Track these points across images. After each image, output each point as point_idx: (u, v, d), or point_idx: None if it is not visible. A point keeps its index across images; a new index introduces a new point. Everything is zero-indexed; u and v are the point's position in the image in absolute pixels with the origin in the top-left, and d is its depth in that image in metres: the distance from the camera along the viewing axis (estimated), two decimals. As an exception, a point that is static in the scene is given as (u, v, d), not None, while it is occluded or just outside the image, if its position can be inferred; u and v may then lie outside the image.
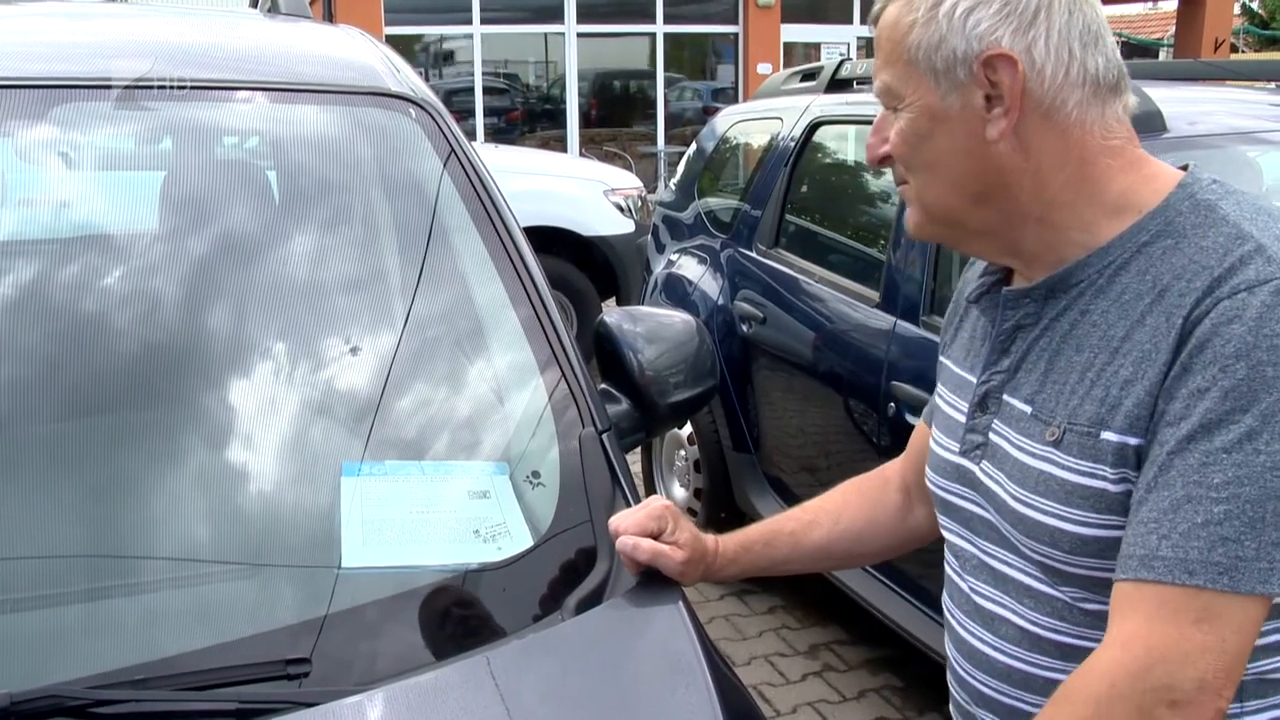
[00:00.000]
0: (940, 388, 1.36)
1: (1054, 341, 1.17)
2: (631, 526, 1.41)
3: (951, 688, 1.36)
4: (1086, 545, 1.12)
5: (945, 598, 1.35)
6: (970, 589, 1.28)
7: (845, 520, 1.53)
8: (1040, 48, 1.11)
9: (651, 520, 1.41)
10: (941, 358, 1.37)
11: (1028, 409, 1.17)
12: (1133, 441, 1.08)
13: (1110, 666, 1.05)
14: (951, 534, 1.32)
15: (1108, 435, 1.09)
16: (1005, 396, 1.21)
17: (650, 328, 1.87)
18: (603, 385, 1.82)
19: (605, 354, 1.86)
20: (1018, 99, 1.11)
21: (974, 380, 1.26)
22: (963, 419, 1.27)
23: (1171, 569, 1.03)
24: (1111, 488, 1.10)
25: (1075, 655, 1.15)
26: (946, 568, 1.34)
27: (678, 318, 1.95)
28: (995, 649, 1.25)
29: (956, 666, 1.33)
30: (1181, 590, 1.03)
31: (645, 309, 1.99)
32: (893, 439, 3.23)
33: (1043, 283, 1.18)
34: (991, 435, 1.22)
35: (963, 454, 1.26)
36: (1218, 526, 1.02)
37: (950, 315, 1.39)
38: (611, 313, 1.91)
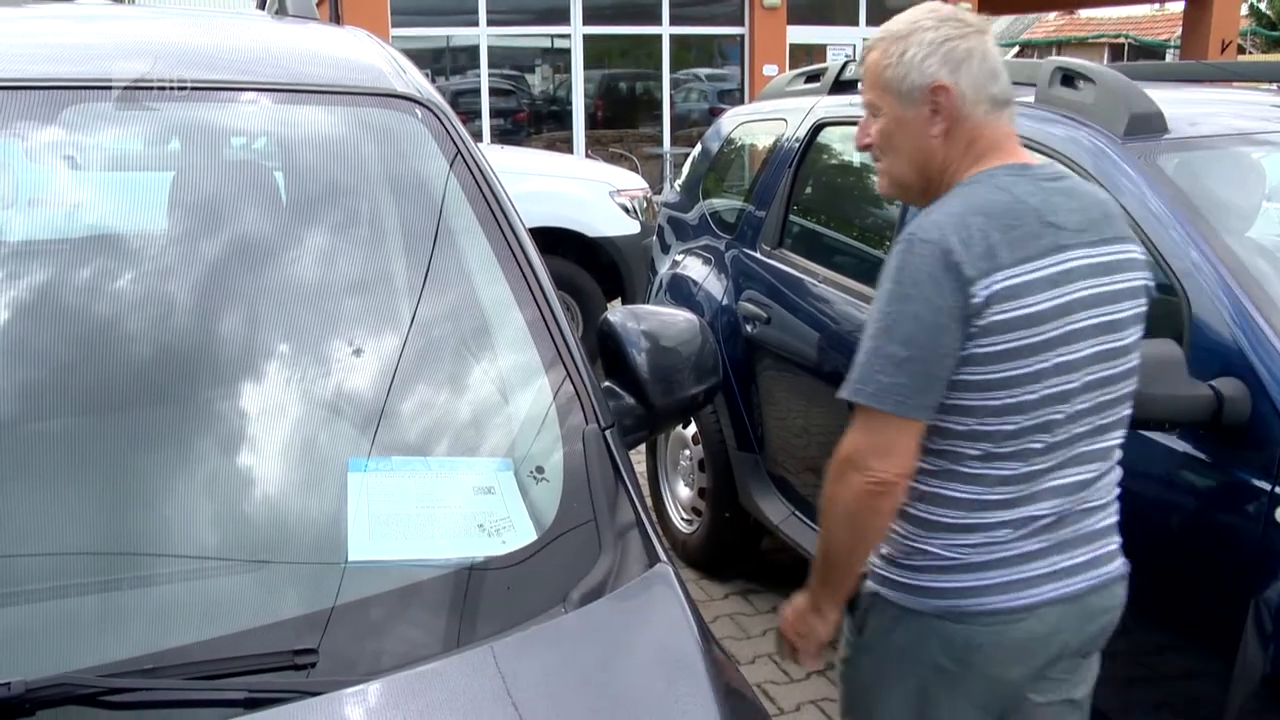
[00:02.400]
0: None
1: None
2: None
3: None
4: None
5: None
6: None
7: None
8: (964, 81, 1.79)
9: None
10: None
11: None
12: None
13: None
14: None
15: None
16: None
17: (654, 326, 1.89)
18: (606, 383, 1.84)
19: (609, 352, 1.87)
20: (950, 111, 1.80)
21: None
22: None
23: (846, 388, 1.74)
24: None
25: None
26: None
27: (681, 316, 1.97)
28: None
29: None
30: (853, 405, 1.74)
31: (649, 308, 2.01)
32: (896, 438, 3.24)
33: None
34: None
35: None
36: (857, 361, 1.74)
37: None
38: (615, 311, 1.92)
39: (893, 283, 1.70)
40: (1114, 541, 1.91)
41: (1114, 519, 1.91)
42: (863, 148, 1.90)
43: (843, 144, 4.18)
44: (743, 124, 4.75)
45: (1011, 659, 1.82)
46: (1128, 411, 1.88)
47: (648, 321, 1.90)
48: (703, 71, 16.45)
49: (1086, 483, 1.83)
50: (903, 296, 1.69)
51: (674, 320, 1.94)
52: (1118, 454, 1.89)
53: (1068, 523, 1.82)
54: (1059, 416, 1.75)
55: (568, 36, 15.37)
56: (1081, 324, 1.74)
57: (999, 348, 1.69)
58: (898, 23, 1.85)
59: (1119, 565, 1.91)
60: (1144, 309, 1.86)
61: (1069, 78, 2.98)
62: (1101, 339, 1.77)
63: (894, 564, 1.86)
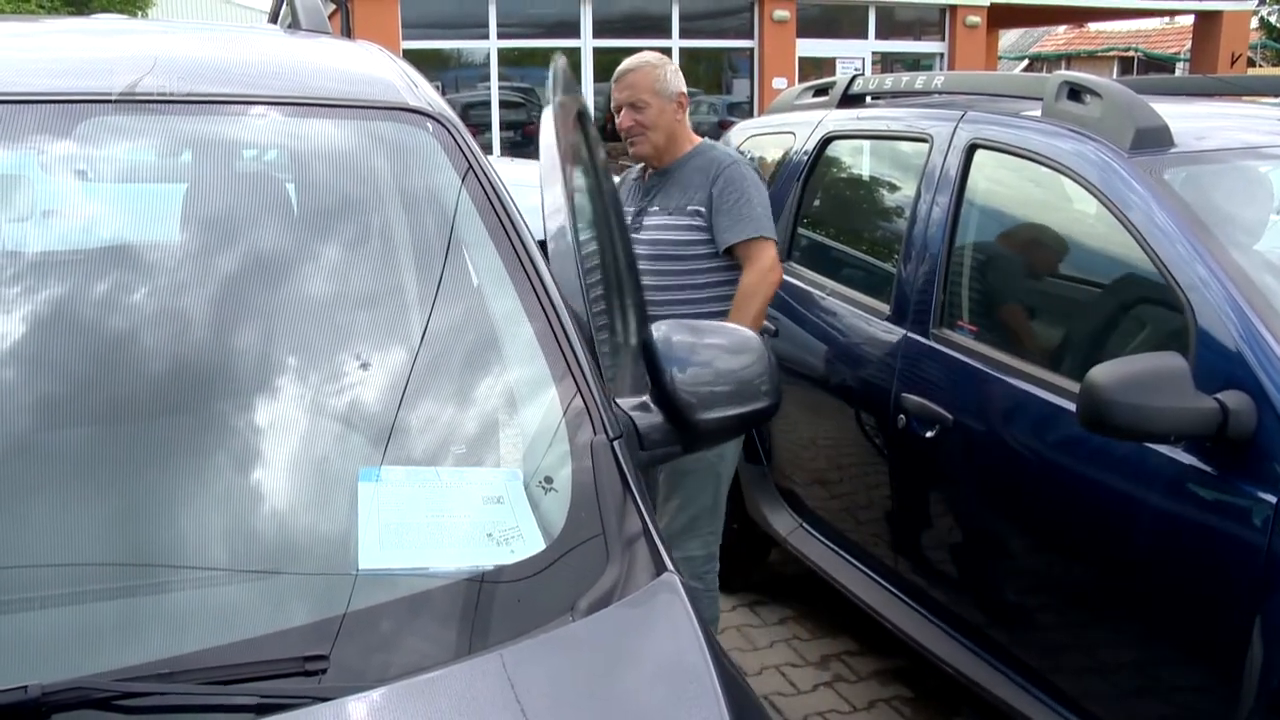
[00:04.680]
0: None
1: (665, 186, 3.43)
2: None
3: None
4: (686, 246, 3.39)
5: None
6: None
7: None
8: (685, 91, 3.49)
9: None
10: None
11: (659, 208, 3.42)
12: (700, 208, 3.34)
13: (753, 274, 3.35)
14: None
15: (692, 206, 3.35)
16: (648, 209, 3.44)
17: (702, 342, 1.88)
18: (644, 398, 1.83)
19: (651, 365, 1.86)
20: (685, 105, 3.46)
21: (633, 208, 3.47)
22: (630, 219, 3.43)
23: (754, 231, 3.34)
24: (695, 221, 3.36)
25: None
26: None
27: (739, 335, 1.95)
28: None
29: None
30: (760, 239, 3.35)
31: (709, 323, 1.99)
32: (902, 451, 3.26)
33: (668, 168, 3.45)
34: (645, 220, 3.42)
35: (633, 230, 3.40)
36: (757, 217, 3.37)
37: (621, 187, 3.54)
38: (661, 325, 1.90)
39: (756, 176, 3.38)
40: None
41: None
42: (625, 129, 3.40)
43: (851, 157, 4.20)
44: (751, 137, 4.77)
45: None
46: None
47: (696, 336, 1.88)
48: (707, 98, 16.47)
49: None
50: (761, 184, 3.37)
51: (729, 338, 1.92)
52: None
53: None
54: None
55: (578, 49, 15.42)
56: None
57: None
58: (648, 58, 3.44)
59: None
60: None
61: (1075, 92, 3.00)
62: None
63: None
